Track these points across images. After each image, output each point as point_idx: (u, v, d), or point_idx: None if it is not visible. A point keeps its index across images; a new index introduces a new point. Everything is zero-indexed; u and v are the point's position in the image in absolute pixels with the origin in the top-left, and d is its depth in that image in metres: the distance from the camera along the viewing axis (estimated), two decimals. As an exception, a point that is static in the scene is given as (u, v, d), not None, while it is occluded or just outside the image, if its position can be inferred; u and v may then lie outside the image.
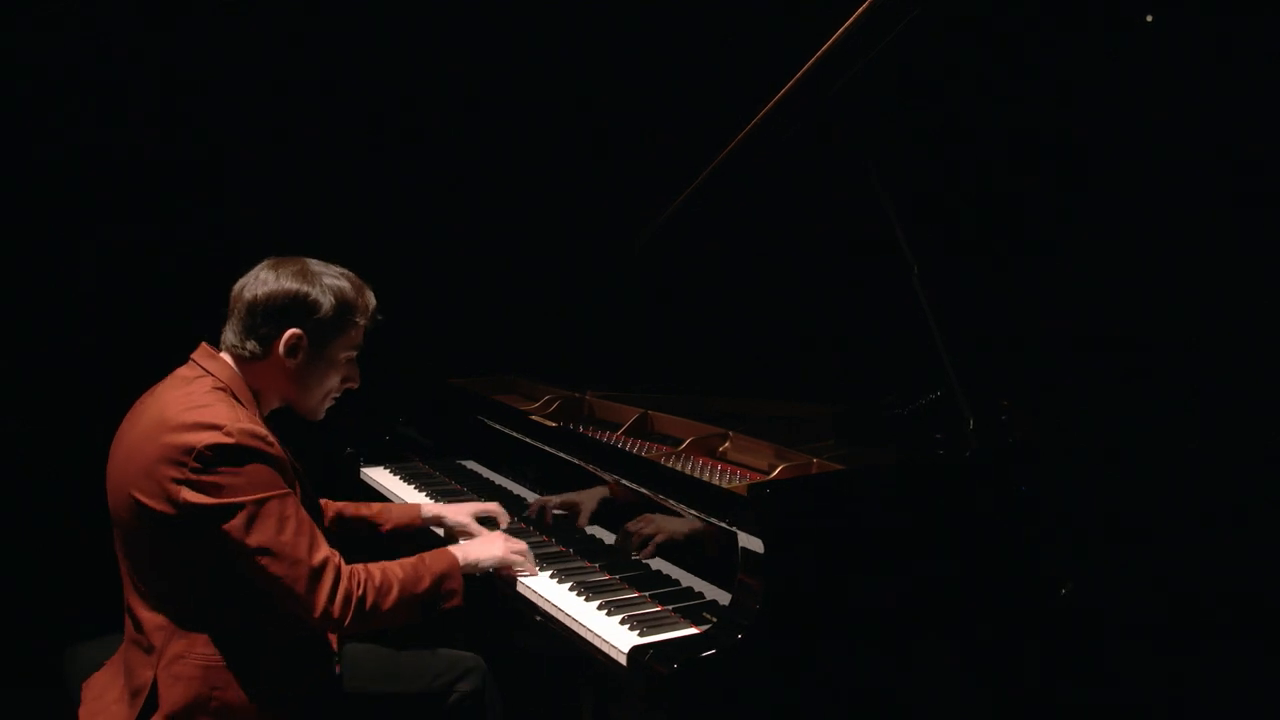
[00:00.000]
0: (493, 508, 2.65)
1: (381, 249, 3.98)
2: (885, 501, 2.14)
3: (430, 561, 2.13)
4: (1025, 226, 3.04)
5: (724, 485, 2.26)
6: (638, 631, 2.01)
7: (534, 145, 4.04)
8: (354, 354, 2.15)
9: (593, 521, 2.56)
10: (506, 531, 2.57)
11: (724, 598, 2.05)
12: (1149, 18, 2.76)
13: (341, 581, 1.96)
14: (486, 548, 2.30)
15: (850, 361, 2.94)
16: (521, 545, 2.36)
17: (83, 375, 3.48)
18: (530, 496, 2.83)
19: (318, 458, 3.32)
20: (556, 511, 2.66)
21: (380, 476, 3.19)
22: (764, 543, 1.88)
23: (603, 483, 2.52)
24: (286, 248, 2.15)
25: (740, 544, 1.95)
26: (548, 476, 2.75)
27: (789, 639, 1.90)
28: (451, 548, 2.24)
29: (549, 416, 3.07)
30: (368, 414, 3.56)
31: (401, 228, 4.07)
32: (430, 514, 2.63)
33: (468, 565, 2.21)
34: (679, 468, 2.49)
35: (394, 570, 2.07)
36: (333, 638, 2.16)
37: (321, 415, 2.20)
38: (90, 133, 3.54)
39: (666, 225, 3.12)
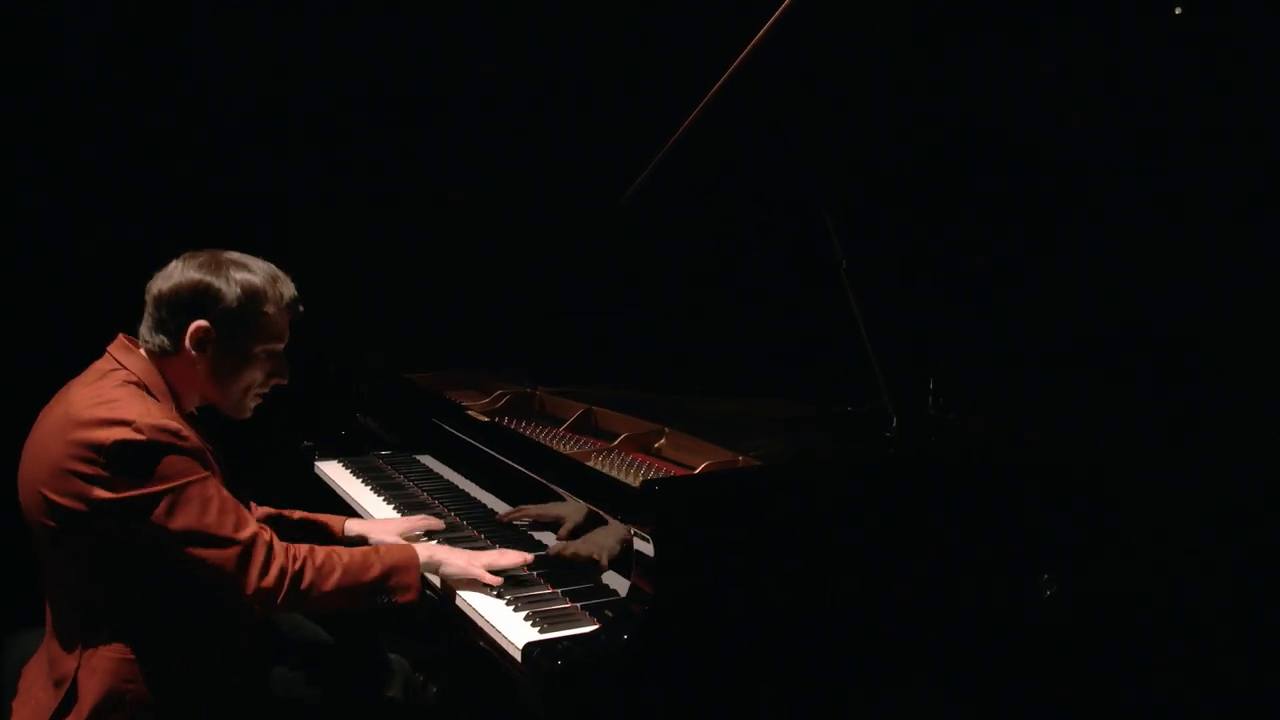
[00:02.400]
0: (419, 524, 2.57)
1: (354, 243, 4.04)
2: (791, 499, 2.10)
3: (385, 552, 2.11)
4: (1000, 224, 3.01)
5: (631, 482, 2.24)
6: (539, 628, 2.01)
7: (502, 139, 4.04)
8: (276, 347, 2.09)
9: (529, 520, 2.56)
10: (444, 532, 2.57)
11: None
12: (1177, 10, 2.71)
13: (275, 558, 1.94)
14: (450, 554, 2.22)
15: (821, 360, 2.92)
16: (488, 558, 2.23)
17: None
18: (478, 493, 2.83)
19: (272, 449, 3.38)
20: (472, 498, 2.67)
21: (332, 471, 3.20)
22: (653, 540, 1.87)
23: (537, 481, 2.52)
24: (238, 243, 2.10)
25: (634, 543, 1.94)
26: (490, 472, 2.75)
27: (674, 643, 1.88)
28: (416, 545, 2.22)
29: (496, 411, 3.07)
30: (329, 407, 3.59)
31: (375, 223, 4.10)
32: (354, 533, 2.54)
33: (429, 564, 2.18)
34: (603, 463, 2.48)
35: (339, 554, 2.04)
36: (265, 635, 2.17)
37: (247, 414, 2.14)
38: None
39: (627, 217, 3.10)
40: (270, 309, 2.05)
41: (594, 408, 2.98)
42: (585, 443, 2.73)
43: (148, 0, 3.69)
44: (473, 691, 2.80)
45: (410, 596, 2.10)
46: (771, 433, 2.76)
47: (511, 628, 2.02)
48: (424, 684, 2.84)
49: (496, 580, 2.17)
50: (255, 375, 2.09)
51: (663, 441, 2.69)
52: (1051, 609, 2.65)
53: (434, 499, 2.87)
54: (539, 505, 2.46)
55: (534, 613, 2.06)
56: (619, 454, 2.58)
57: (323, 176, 3.96)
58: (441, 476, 3.07)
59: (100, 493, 1.84)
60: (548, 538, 2.39)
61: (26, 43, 3.54)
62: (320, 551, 2.02)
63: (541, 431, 2.87)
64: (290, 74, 3.85)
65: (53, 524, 1.90)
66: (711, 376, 3.21)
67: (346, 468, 3.21)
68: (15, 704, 2.08)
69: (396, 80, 4.01)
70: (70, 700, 1.95)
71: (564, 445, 2.71)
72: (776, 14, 2.18)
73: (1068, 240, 2.96)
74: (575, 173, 3.70)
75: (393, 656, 2.47)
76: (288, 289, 2.09)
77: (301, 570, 1.96)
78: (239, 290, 2.00)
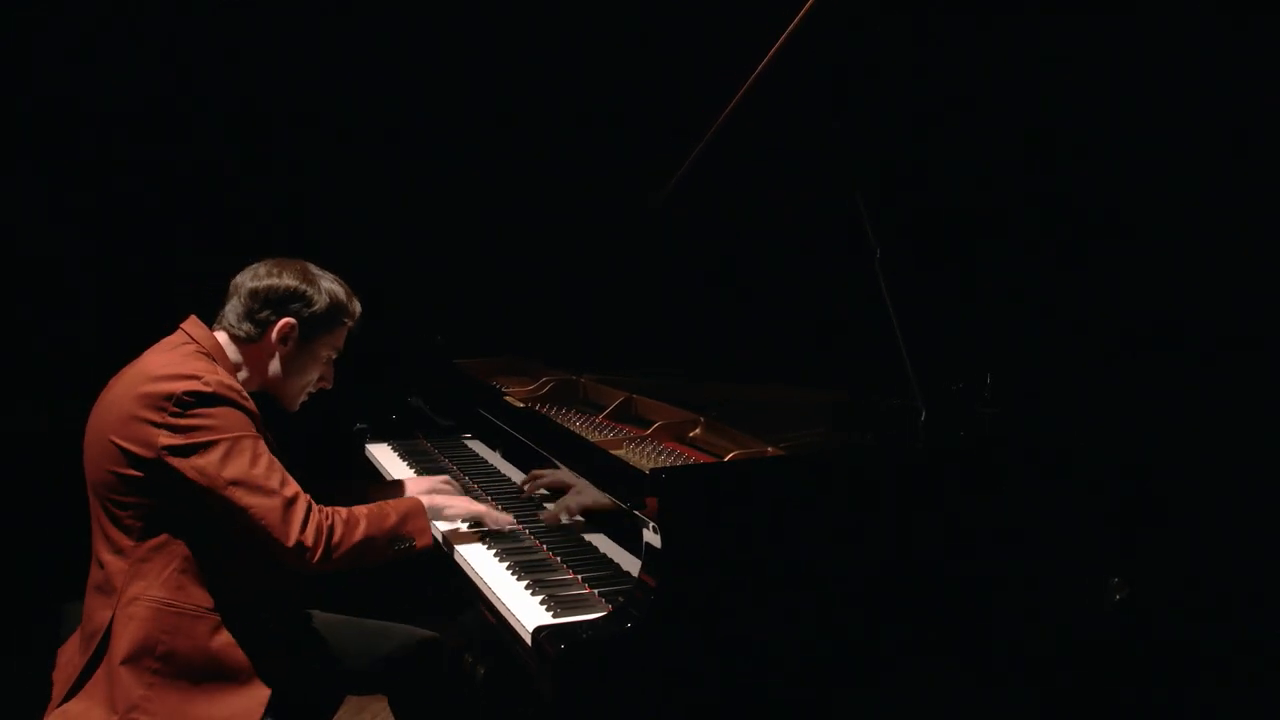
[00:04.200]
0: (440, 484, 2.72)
1: (415, 235, 4.14)
2: (807, 492, 2.07)
3: (395, 504, 2.29)
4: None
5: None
6: (553, 613, 2.02)
7: (542, 135, 4.12)
8: (334, 355, 2.36)
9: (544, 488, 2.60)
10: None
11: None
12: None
13: (313, 514, 2.09)
14: (450, 500, 2.46)
15: (867, 350, 2.89)
16: (483, 506, 2.48)
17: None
18: (514, 475, 2.86)
19: (327, 432, 3.48)
20: (528, 490, 2.69)
21: (380, 453, 3.26)
22: (660, 530, 1.86)
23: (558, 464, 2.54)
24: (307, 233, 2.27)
25: (643, 533, 1.93)
26: (522, 455, 2.77)
27: (679, 632, 1.87)
28: (416, 494, 2.41)
29: (540, 398, 3.09)
30: (384, 391, 3.67)
31: (435, 215, 4.20)
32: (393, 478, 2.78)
33: (433, 509, 2.37)
34: (632, 451, 2.48)
35: (359, 509, 2.21)
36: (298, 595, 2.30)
37: (296, 407, 2.38)
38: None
39: (672, 204, 3.10)
40: (345, 320, 2.34)
41: (635, 396, 2.97)
42: (620, 430, 2.74)
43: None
44: (517, 673, 2.84)
45: (427, 541, 2.28)
46: (816, 424, 2.73)
47: (526, 610, 2.03)
48: (473, 665, 2.90)
49: (504, 517, 2.45)
50: (313, 374, 2.35)
51: (697, 431, 2.67)
52: (1121, 616, 2.59)
53: (474, 483, 2.91)
54: (553, 472, 2.53)
55: (550, 596, 2.08)
56: (652, 442, 2.57)
57: (391, 173, 4.07)
58: (484, 460, 3.11)
59: (166, 437, 2.01)
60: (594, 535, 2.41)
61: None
62: (343, 510, 2.18)
63: (580, 418, 2.88)
64: (363, 73, 3.97)
65: (118, 470, 2.04)
66: (759, 367, 3.18)
67: (394, 450, 3.27)
68: (55, 676, 2.18)
69: (462, 81, 4.11)
70: (101, 651, 2.05)
71: (598, 432, 2.71)
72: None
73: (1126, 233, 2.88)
74: (626, 164, 3.71)
75: (439, 636, 2.52)
76: (357, 306, 2.37)
77: (333, 525, 2.12)
78: (327, 299, 2.28)
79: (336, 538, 2.10)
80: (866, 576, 2.08)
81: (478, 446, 3.24)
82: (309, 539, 2.05)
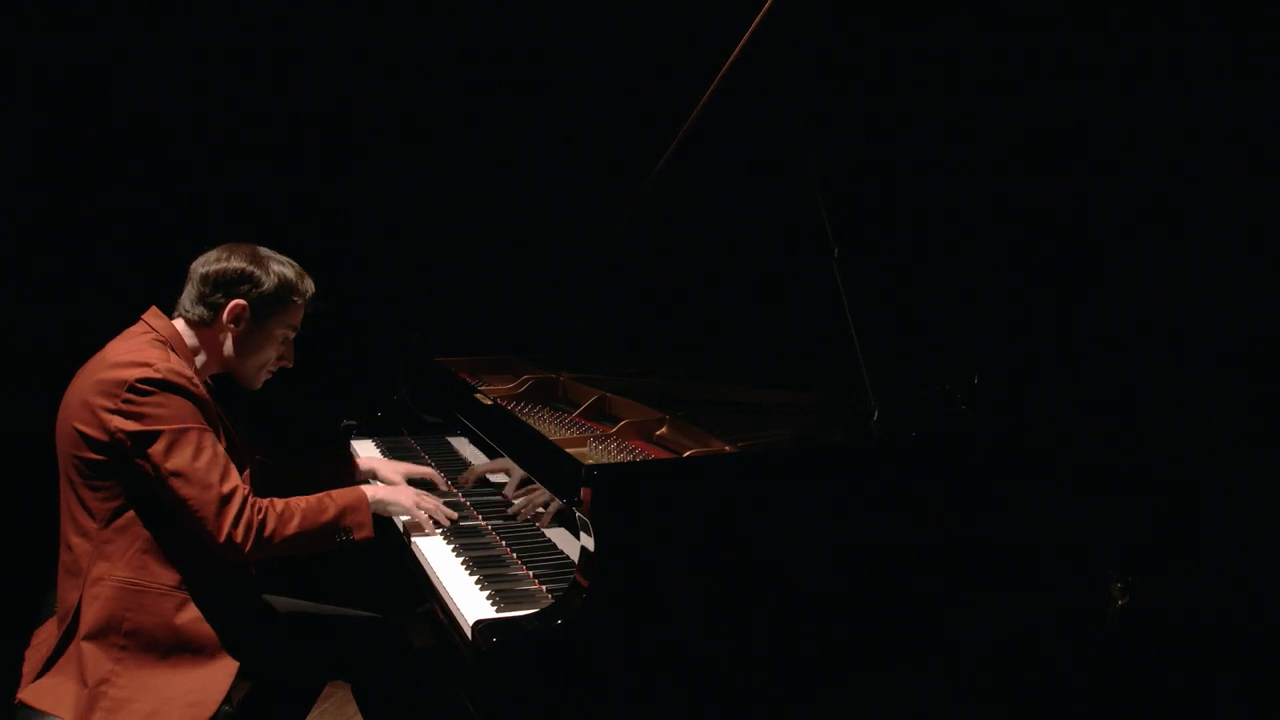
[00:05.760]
0: (428, 472, 2.84)
1: (413, 236, 4.19)
2: (750, 490, 2.08)
3: (337, 496, 2.36)
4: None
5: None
6: (496, 607, 2.04)
7: (533, 142, 4.18)
8: (291, 334, 2.42)
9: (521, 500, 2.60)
10: (444, 503, 2.65)
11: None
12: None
13: (246, 510, 2.17)
14: (395, 493, 2.53)
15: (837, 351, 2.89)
16: (432, 502, 2.54)
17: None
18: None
19: (314, 428, 3.53)
20: (492, 481, 2.74)
21: (363, 449, 3.30)
22: (591, 524, 1.88)
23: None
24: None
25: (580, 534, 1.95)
26: (491, 453, 2.80)
27: (607, 632, 1.89)
28: (362, 486, 2.45)
29: (518, 396, 3.12)
30: (370, 388, 3.72)
31: (437, 214, 4.25)
32: (367, 467, 2.84)
33: (376, 503, 2.43)
34: (597, 449, 2.50)
35: (297, 502, 2.28)
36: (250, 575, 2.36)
37: (258, 385, 2.44)
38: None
39: (647, 207, 3.12)
40: (295, 299, 2.38)
41: (609, 395, 3.00)
42: (588, 427, 2.76)
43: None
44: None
45: (366, 534, 2.35)
46: (788, 425, 2.73)
47: (471, 604, 2.06)
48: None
49: (428, 524, 2.49)
50: (270, 354, 2.40)
51: (664, 430, 2.69)
52: (1124, 624, 2.57)
53: (449, 479, 2.94)
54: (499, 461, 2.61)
55: (497, 591, 2.10)
56: (616, 440, 2.60)
57: (378, 175, 4.13)
58: (465, 458, 3.14)
59: (117, 421, 2.10)
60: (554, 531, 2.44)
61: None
62: (280, 501, 2.25)
63: (553, 416, 2.90)
64: (358, 79, 4.05)
65: (80, 455, 2.14)
66: (740, 368, 3.19)
67: (377, 447, 3.31)
68: (27, 654, 2.26)
69: (449, 85, 4.18)
70: (71, 630, 2.15)
71: (566, 430, 2.74)
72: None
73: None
74: (604, 169, 3.76)
75: (397, 623, 2.56)
76: (309, 285, 2.42)
77: (264, 520, 2.19)
78: (276, 280, 2.34)
79: (268, 531, 2.18)
80: (810, 579, 2.08)
81: (460, 444, 3.27)
82: (239, 535, 2.14)
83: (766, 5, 2.35)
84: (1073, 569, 2.57)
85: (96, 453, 2.12)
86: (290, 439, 3.47)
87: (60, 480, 2.22)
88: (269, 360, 2.41)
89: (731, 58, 2.49)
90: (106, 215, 4.10)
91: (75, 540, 2.18)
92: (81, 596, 2.14)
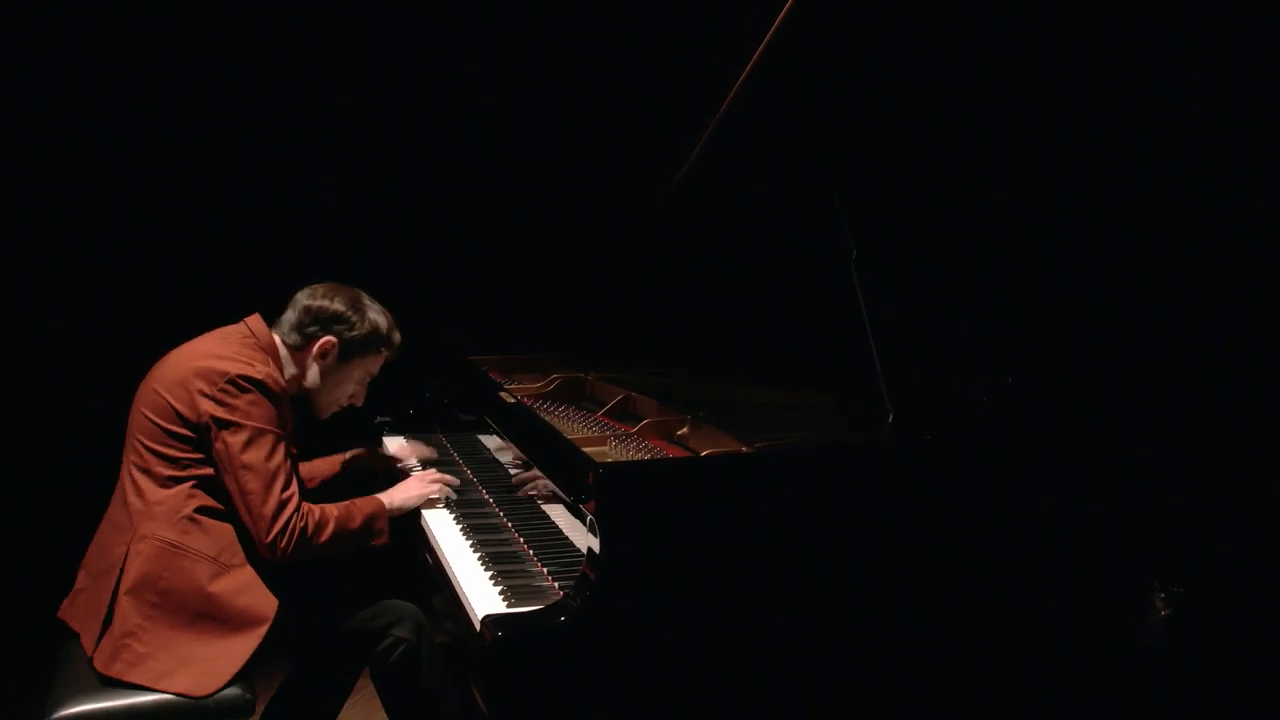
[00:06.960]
0: (432, 453, 3.12)
1: (452, 235, 4.25)
2: (758, 490, 2.09)
3: (361, 504, 2.53)
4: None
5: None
6: (507, 602, 2.08)
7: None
8: (368, 377, 2.66)
9: (543, 498, 2.63)
10: (458, 498, 2.77)
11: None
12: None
13: (294, 519, 2.33)
14: (404, 490, 2.70)
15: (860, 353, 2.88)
16: (438, 479, 2.74)
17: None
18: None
19: (352, 426, 3.59)
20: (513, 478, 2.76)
21: (394, 446, 3.35)
22: (598, 521, 1.90)
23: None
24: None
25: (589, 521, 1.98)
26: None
27: (611, 628, 1.91)
28: (379, 495, 2.59)
29: (548, 395, 3.16)
30: (407, 386, 3.77)
31: (475, 215, 4.31)
32: (389, 451, 3.14)
33: (394, 509, 2.62)
34: (617, 447, 2.52)
35: (330, 510, 2.45)
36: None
37: (326, 416, 2.68)
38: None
39: (672, 208, 3.13)
40: (382, 349, 2.62)
41: (634, 394, 3.02)
42: (611, 426, 2.79)
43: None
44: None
45: (384, 540, 2.53)
46: (809, 426, 2.74)
47: (483, 599, 2.10)
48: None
49: (442, 491, 2.72)
50: (346, 390, 2.65)
51: (684, 430, 2.70)
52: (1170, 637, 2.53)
53: (473, 475, 2.99)
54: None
55: (509, 587, 2.13)
56: (637, 439, 2.62)
57: (418, 176, 4.18)
58: (493, 455, 3.17)
59: (210, 406, 2.29)
60: (556, 511, 2.46)
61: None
62: (317, 509, 2.41)
63: (579, 414, 2.93)
64: (391, 84, 4.12)
65: (159, 422, 2.31)
66: (762, 369, 3.19)
67: (408, 444, 3.35)
68: (72, 614, 2.40)
69: (482, 87, 4.25)
70: (117, 583, 2.27)
71: (589, 429, 2.76)
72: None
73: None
74: (641, 168, 3.77)
75: (418, 610, 2.60)
76: (397, 338, 2.65)
77: (305, 524, 2.35)
78: (368, 328, 2.57)
79: (308, 534, 2.34)
80: (811, 579, 2.08)
81: (491, 441, 3.30)
82: (283, 540, 2.30)
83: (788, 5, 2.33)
84: (1108, 577, 2.55)
85: (181, 427, 2.29)
86: (325, 434, 3.53)
87: (125, 448, 2.38)
88: (343, 396, 2.64)
89: (757, 54, 2.47)
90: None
91: (131, 499, 2.33)
92: (128, 551, 2.27)
